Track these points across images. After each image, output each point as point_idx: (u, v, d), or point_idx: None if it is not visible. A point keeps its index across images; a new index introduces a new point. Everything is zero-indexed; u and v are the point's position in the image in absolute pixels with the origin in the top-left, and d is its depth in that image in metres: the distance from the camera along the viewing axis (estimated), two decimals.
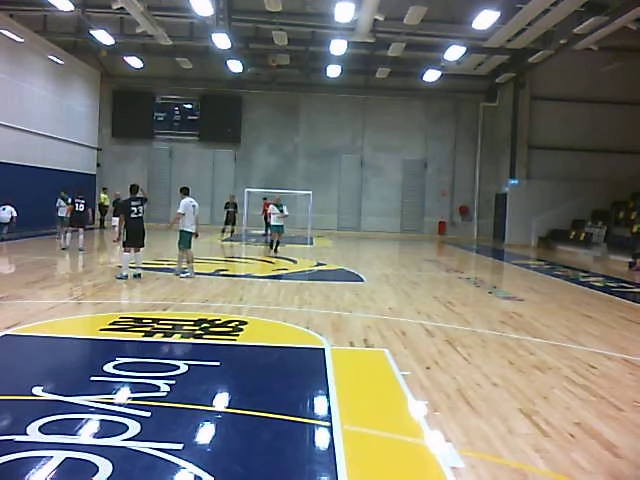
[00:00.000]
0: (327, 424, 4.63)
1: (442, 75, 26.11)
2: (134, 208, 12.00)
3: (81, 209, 17.04)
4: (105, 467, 3.76)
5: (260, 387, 5.67)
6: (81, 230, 16.66)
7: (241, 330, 7.83)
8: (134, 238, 12.09)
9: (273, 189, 27.49)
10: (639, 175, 25.34)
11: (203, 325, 7.98)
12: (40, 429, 4.29)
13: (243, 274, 14.54)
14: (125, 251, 12.12)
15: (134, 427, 4.39)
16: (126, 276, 11.79)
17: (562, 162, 27.14)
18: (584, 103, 26.98)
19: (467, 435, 4.55)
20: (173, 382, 5.47)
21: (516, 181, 27.79)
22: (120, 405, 4.86)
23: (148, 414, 4.67)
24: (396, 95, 30.48)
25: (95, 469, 3.73)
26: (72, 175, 26.07)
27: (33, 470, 3.70)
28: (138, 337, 7.29)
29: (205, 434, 4.46)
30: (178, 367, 5.94)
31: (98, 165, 30.32)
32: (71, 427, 4.37)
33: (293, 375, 6.14)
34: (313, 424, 4.66)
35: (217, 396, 5.40)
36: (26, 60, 22.90)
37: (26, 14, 23.04)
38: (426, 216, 31.27)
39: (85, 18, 22.08)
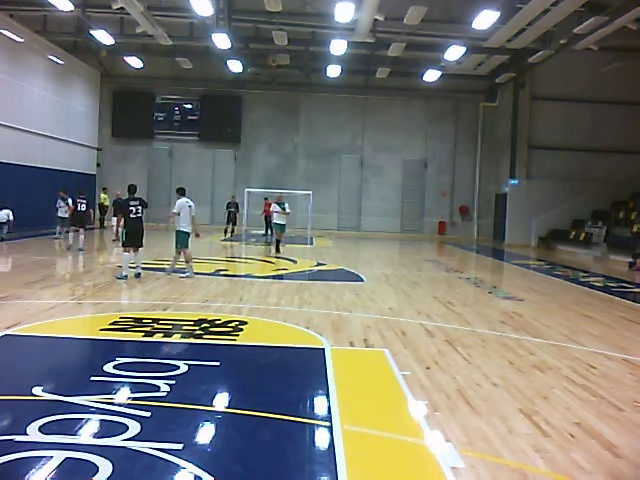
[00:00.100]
0: (327, 424, 4.63)
1: (442, 75, 26.12)
2: (133, 208, 12.03)
3: (83, 209, 17.07)
4: (105, 467, 3.75)
5: (260, 387, 5.67)
6: (81, 230, 16.68)
7: (241, 330, 7.83)
8: (133, 238, 12.12)
9: (273, 189, 27.49)
10: (639, 175, 25.34)
11: (203, 325, 7.98)
12: (40, 429, 4.29)
13: (243, 274, 14.54)
14: (125, 251, 12.13)
15: (134, 427, 4.39)
16: (126, 276, 11.79)
17: (562, 162, 27.15)
18: (584, 103, 26.99)
19: (467, 435, 4.55)
20: (173, 382, 5.47)
21: (516, 181, 27.79)
22: (120, 405, 4.86)
23: (148, 414, 4.67)
24: (396, 95, 30.49)
25: (95, 469, 3.73)
26: (72, 175, 26.08)
27: (33, 470, 3.70)
28: (138, 337, 7.29)
29: (205, 434, 4.46)
30: (178, 367, 5.94)
31: (98, 165, 30.33)
32: (71, 427, 4.37)
33: (293, 375, 6.14)
34: (313, 424, 4.66)
35: (217, 396, 5.40)
36: (26, 60, 22.91)
37: (26, 14, 23.04)
38: (426, 216, 31.28)
39: (85, 18, 22.08)
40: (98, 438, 4.24)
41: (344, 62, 25.68)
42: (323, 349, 6.96)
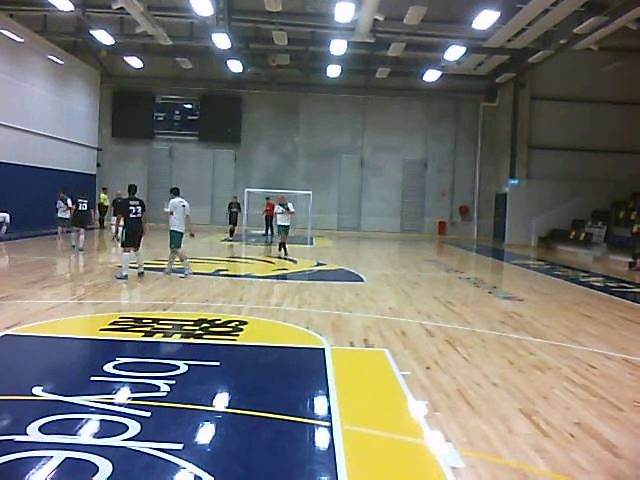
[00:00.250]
0: (327, 424, 4.63)
1: (442, 75, 26.12)
2: (132, 208, 12.05)
3: (84, 209, 17.08)
4: (105, 467, 3.75)
5: (260, 387, 5.67)
6: (82, 230, 16.69)
7: (241, 330, 7.83)
8: (133, 238, 12.15)
9: (273, 189, 27.51)
10: (639, 175, 25.34)
11: (203, 325, 7.98)
12: (40, 429, 4.29)
13: (243, 274, 14.54)
14: (125, 251, 12.14)
15: (134, 427, 4.39)
16: (126, 276, 11.79)
17: (562, 162, 27.15)
18: (584, 103, 26.99)
19: (467, 435, 4.55)
20: (173, 382, 5.47)
21: (516, 181, 27.79)
22: (120, 405, 4.86)
23: (148, 414, 4.67)
24: (396, 95, 30.49)
25: (95, 469, 3.73)
26: (72, 175, 26.08)
27: (33, 470, 3.70)
28: (138, 337, 7.29)
29: (205, 434, 4.46)
30: (178, 367, 5.94)
31: (98, 165, 30.33)
32: (71, 427, 4.37)
33: (293, 375, 6.13)
34: (313, 424, 4.65)
35: (217, 396, 5.40)
36: (26, 60, 22.91)
37: (26, 14, 23.04)
38: (426, 216, 31.28)
39: (85, 18, 22.08)
40: (98, 438, 4.24)
41: (344, 62, 25.68)
42: (323, 349, 6.96)
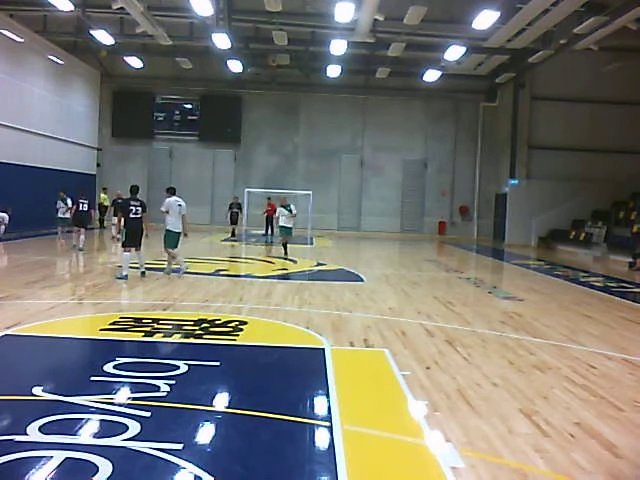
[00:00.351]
0: (327, 424, 4.62)
1: (442, 75, 26.12)
2: (133, 208, 12.06)
3: (85, 209, 17.09)
4: (105, 467, 3.75)
5: (260, 387, 5.66)
6: (82, 230, 16.68)
7: (241, 330, 7.83)
8: (133, 238, 12.16)
9: (273, 189, 27.52)
10: (639, 175, 25.34)
11: (203, 325, 7.98)
12: (40, 429, 4.28)
13: (243, 274, 14.54)
14: (125, 251, 12.14)
15: (134, 427, 4.39)
16: (126, 276, 11.79)
17: (562, 162, 27.16)
18: (584, 103, 27.00)
19: (467, 435, 4.55)
20: (173, 382, 5.47)
21: (516, 181, 27.79)
22: (120, 405, 4.86)
23: (148, 414, 4.67)
24: (396, 95, 30.49)
25: (95, 469, 3.73)
26: (72, 175, 26.08)
27: (33, 470, 3.70)
28: (138, 337, 7.29)
29: (205, 434, 4.46)
30: (178, 367, 5.94)
31: (98, 165, 30.33)
32: (71, 427, 4.37)
33: (293, 375, 6.14)
34: (313, 424, 4.65)
35: (217, 396, 5.40)
36: (26, 60, 22.90)
37: (26, 14, 23.05)
38: (426, 216, 31.28)
39: (85, 18, 22.09)
40: (98, 438, 4.24)
41: (344, 62, 25.68)
42: (323, 349, 6.96)
